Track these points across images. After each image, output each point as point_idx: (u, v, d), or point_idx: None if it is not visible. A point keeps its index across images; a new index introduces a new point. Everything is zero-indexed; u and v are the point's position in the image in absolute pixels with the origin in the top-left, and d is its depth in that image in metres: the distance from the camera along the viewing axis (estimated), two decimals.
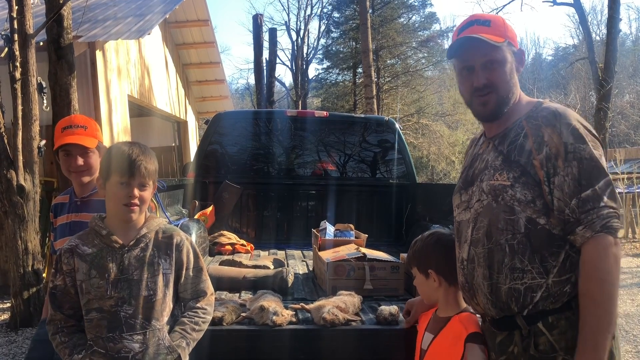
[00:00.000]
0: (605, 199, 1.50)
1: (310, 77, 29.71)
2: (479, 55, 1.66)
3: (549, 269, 1.57)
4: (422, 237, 2.03)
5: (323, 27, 28.84)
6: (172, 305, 1.84)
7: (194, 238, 3.39)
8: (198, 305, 1.87)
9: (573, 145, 1.53)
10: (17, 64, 4.96)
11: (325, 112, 4.93)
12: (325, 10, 28.77)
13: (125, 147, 1.82)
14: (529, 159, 1.58)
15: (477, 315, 1.95)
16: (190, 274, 1.87)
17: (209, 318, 1.90)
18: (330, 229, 3.75)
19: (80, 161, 2.31)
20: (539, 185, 1.57)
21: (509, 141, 1.67)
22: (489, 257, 1.65)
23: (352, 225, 3.92)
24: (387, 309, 2.31)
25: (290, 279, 2.88)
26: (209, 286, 1.92)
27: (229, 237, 4.17)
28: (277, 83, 19.52)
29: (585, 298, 1.49)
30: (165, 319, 1.80)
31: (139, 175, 1.76)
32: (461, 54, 1.71)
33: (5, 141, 4.98)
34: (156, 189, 1.90)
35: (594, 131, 1.61)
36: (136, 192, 1.76)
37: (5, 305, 5.83)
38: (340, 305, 2.32)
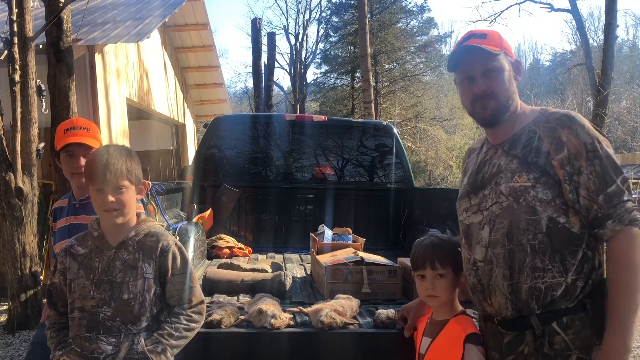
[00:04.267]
0: (626, 192, 1.61)
1: (308, 81, 29.73)
2: (478, 65, 1.75)
3: (569, 267, 1.64)
4: (433, 237, 2.02)
5: (321, 32, 28.91)
6: (154, 311, 1.81)
7: (192, 241, 3.39)
8: (182, 311, 1.82)
9: (592, 145, 1.63)
10: (17, 66, 4.97)
11: (323, 117, 4.95)
12: (323, 14, 28.84)
13: (97, 153, 1.81)
14: (547, 160, 1.66)
15: (474, 317, 1.97)
16: (176, 279, 1.82)
17: (194, 325, 1.84)
18: (328, 233, 3.76)
19: (83, 161, 2.30)
20: (559, 185, 1.65)
21: (521, 145, 1.74)
22: (509, 257, 1.70)
23: (350, 229, 3.92)
24: (385, 312, 2.32)
25: (288, 283, 2.88)
26: (196, 293, 1.85)
27: (227, 241, 4.17)
28: (275, 87, 19.55)
29: (615, 286, 1.58)
30: (144, 324, 1.77)
31: (111, 180, 1.74)
32: (462, 65, 1.80)
33: (4, 143, 4.99)
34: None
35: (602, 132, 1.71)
36: (110, 197, 1.73)
37: (2, 308, 5.82)
38: (338, 308, 2.33)
